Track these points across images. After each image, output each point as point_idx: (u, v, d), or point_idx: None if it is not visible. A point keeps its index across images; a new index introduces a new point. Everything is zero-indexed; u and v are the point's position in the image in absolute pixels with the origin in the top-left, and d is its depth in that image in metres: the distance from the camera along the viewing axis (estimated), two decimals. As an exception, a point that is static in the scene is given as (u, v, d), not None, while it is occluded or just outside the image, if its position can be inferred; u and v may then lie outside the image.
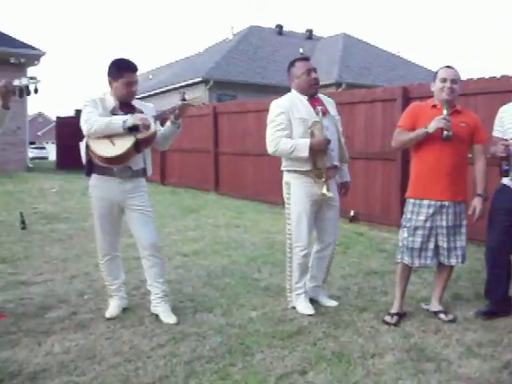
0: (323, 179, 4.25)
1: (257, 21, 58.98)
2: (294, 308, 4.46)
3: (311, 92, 4.40)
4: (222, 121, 12.92)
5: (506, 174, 4.20)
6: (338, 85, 23.68)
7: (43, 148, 48.65)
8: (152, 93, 28.76)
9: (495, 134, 4.36)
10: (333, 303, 4.61)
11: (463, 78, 7.38)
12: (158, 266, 4.24)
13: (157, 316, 4.21)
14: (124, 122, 3.91)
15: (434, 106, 4.20)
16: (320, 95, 4.55)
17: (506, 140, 4.12)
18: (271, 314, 4.37)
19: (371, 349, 3.69)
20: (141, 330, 3.98)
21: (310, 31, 33.21)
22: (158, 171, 15.67)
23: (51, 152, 42.02)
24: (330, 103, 4.57)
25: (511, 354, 3.65)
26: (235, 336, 3.87)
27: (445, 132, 3.96)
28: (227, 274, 5.55)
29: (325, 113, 4.37)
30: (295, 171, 4.37)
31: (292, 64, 4.47)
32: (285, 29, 32.60)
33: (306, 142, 4.19)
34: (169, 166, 15.47)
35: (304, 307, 4.40)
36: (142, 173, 4.23)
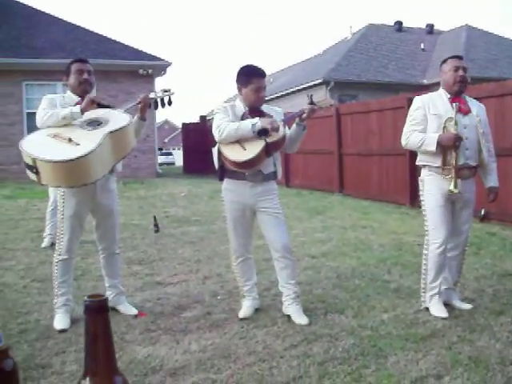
0: (451, 176, 4.16)
1: (375, 18, 58.26)
2: (426, 309, 4.38)
3: (456, 89, 4.34)
4: (345, 121, 12.89)
5: None
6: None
7: (170, 154, 50.65)
8: (273, 96, 29.07)
9: None
10: (467, 306, 4.47)
11: None
12: (289, 267, 4.30)
13: (289, 317, 4.27)
14: (253, 125, 4.01)
15: None
16: (469, 98, 4.50)
17: None
18: (403, 316, 4.31)
19: (510, 355, 3.54)
20: (273, 331, 4.05)
21: (430, 26, 32.25)
22: (282, 173, 15.84)
23: (177, 157, 43.67)
24: (478, 106, 4.50)
25: None
26: (367, 338, 3.85)
27: None
28: (356, 276, 5.53)
29: (465, 112, 4.32)
30: (428, 167, 4.35)
31: (444, 61, 4.48)
32: (404, 25, 31.89)
33: (435, 136, 4.18)
34: (293, 168, 15.61)
35: (438, 309, 4.30)
36: (273, 176, 4.32)
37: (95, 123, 4.01)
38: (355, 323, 4.16)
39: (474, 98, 8.62)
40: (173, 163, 45.18)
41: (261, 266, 5.71)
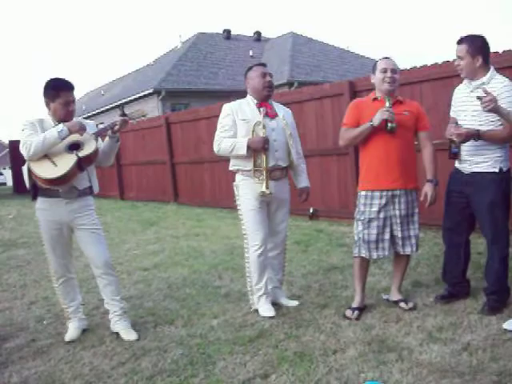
0: (263, 178, 4.27)
1: (205, 27, 58.90)
2: (256, 311, 4.45)
3: (264, 95, 4.44)
4: (175, 130, 12.87)
5: (454, 156, 4.23)
6: (290, 84, 23.71)
7: (0, 174, 47.81)
8: (104, 108, 28.47)
9: (451, 114, 4.38)
10: (294, 303, 4.61)
11: (408, 66, 7.52)
12: (113, 283, 4.18)
13: (117, 334, 4.14)
14: (59, 132, 3.82)
15: (376, 99, 4.24)
16: (275, 103, 4.62)
17: (457, 123, 4.15)
18: (232, 320, 4.34)
19: (333, 345, 3.69)
20: (101, 350, 3.91)
21: (258, 33, 33.20)
22: (116, 187, 15.54)
23: (9, 177, 41.37)
24: (285, 111, 4.64)
25: (471, 335, 3.70)
26: (196, 346, 3.83)
27: (389, 124, 4.02)
28: (188, 285, 5.50)
29: (271, 115, 4.44)
30: (240, 171, 4.43)
31: (249, 68, 4.56)
32: (233, 33, 32.56)
33: (245, 140, 4.27)
34: (127, 181, 15.35)
35: (265, 309, 4.39)
36: (89, 191, 4.15)
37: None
38: (184, 332, 4.12)
39: (297, 102, 9.12)
40: (4, 183, 42.69)
41: (90, 284, 5.52)
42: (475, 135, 3.99)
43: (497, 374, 3.12)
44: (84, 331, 4.30)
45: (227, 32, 31.98)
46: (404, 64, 27.80)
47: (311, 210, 8.97)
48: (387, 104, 4.05)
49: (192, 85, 25.12)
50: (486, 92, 3.70)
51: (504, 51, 6.34)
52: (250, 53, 29.08)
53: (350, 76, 19.84)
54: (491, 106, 3.66)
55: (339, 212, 8.59)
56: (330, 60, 28.71)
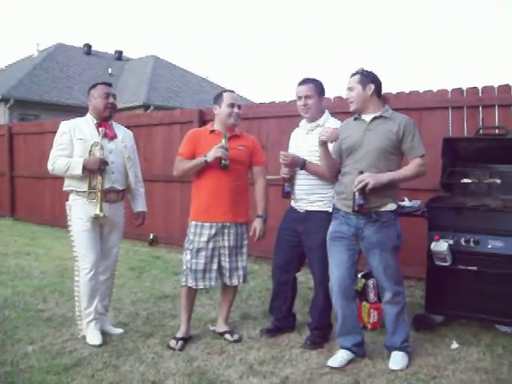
0: (97, 200, 4.15)
1: (65, 38, 56.88)
2: (84, 337, 4.23)
3: (105, 115, 4.32)
4: (17, 142, 12.21)
5: (287, 196, 4.34)
6: (146, 107, 23.50)
7: None
8: None
9: None
10: (118, 331, 4.46)
11: (258, 101, 7.72)
12: None
13: None
14: None
15: (213, 132, 4.27)
16: (115, 124, 4.51)
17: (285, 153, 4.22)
18: (50, 346, 4.10)
19: (152, 376, 3.60)
20: None
21: (119, 52, 32.72)
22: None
23: None
24: (125, 132, 4.56)
25: (291, 368, 3.77)
26: (5, 375, 3.55)
27: (222, 161, 4.06)
28: (8, 307, 5.14)
29: (110, 137, 4.33)
30: (75, 192, 4.29)
31: (93, 86, 4.40)
32: (94, 48, 31.83)
33: (81, 160, 4.14)
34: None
35: (92, 337, 4.19)
36: None
37: None
38: (-5, 359, 3.83)
39: (146, 126, 9.01)
40: None
41: None
42: (301, 164, 4.14)
43: (309, 407, 3.19)
44: None
45: (88, 47, 31.16)
46: (254, 98, 28.73)
47: (151, 236, 8.84)
48: (223, 141, 4.08)
49: (44, 97, 24.12)
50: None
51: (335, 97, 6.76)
52: (110, 70, 28.53)
53: (207, 105, 20.03)
54: (325, 136, 3.79)
55: (179, 239, 8.46)
56: (189, 87, 28.88)
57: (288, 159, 4.15)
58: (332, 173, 4.05)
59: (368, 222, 3.75)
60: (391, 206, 3.78)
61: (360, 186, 3.60)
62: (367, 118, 3.83)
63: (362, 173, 3.65)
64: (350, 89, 3.85)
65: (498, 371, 3.71)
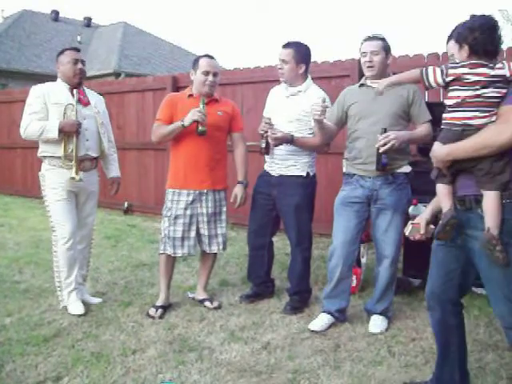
0: (72, 164, 4.05)
1: (30, 5, 55.51)
2: (64, 308, 4.18)
3: (75, 81, 4.21)
4: (-15, 111, 11.94)
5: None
6: (116, 74, 23.13)
7: None
8: None
9: (264, 113, 4.42)
10: (96, 300, 4.43)
11: (232, 67, 7.63)
12: None
13: None
14: None
15: (191, 96, 4.19)
16: (87, 90, 4.40)
17: (271, 124, 4.14)
18: (28, 318, 4.05)
19: (133, 345, 3.58)
20: None
21: (88, 19, 32.00)
22: None
23: None
24: (97, 98, 4.46)
25: (272, 334, 3.79)
26: (-19, 348, 3.51)
27: (199, 127, 3.97)
28: (-18, 279, 5.07)
29: (84, 103, 4.24)
30: (48, 159, 4.18)
31: (61, 52, 4.27)
32: (61, 15, 31.07)
33: (57, 123, 4.02)
34: None
35: (74, 307, 4.15)
36: None
37: None
38: (-30, 333, 3.76)
39: (118, 93, 8.87)
40: None
41: None
42: (289, 140, 4.09)
43: (292, 371, 3.21)
44: None
45: (55, 13, 30.37)
46: (228, 65, 28.47)
47: (126, 205, 8.77)
48: (201, 106, 3.99)
49: (11, 65, 23.57)
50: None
51: (322, 62, 6.66)
52: (78, 38, 27.93)
53: (179, 72, 19.78)
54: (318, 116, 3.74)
55: (154, 208, 8.46)
56: (160, 54, 28.46)
57: (278, 138, 4.07)
58: (327, 140, 4.10)
59: (384, 183, 3.79)
60: (406, 168, 3.84)
61: (388, 146, 3.56)
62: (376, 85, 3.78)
63: (385, 131, 3.61)
64: (372, 52, 3.78)
65: (474, 332, 3.77)
